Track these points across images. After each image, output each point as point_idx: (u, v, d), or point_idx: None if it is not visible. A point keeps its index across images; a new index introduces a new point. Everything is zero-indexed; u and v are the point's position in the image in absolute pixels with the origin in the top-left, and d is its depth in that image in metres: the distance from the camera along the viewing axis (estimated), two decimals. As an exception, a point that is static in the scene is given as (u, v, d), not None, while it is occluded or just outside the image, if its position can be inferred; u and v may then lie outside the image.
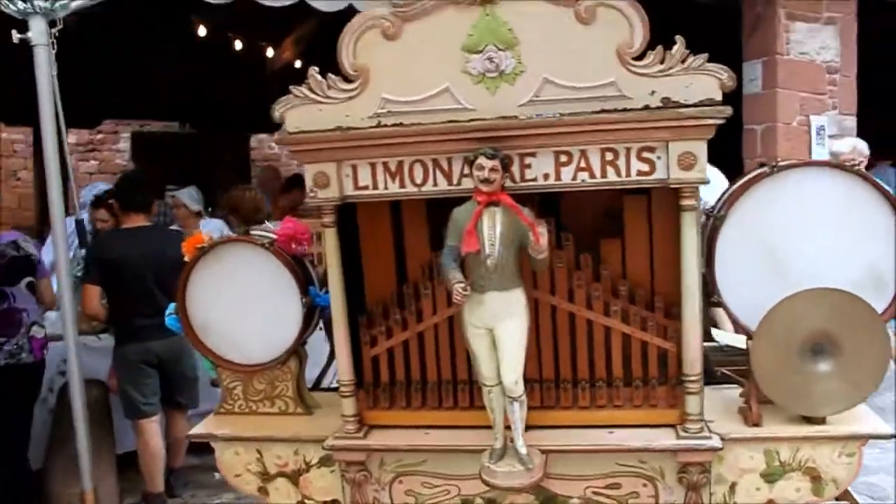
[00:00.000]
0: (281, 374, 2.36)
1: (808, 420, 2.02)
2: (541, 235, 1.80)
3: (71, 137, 7.77)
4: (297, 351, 2.35)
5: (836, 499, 2.19)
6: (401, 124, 1.99)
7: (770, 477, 2.03)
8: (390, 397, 2.22)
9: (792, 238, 2.06)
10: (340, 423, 2.19)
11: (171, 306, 2.40)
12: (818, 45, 6.17)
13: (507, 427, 2.00)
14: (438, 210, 2.19)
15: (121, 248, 3.82)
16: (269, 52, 7.94)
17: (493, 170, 1.84)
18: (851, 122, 6.20)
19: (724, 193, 2.21)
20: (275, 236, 2.32)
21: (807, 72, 6.03)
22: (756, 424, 2.03)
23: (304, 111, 2.03)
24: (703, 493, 2.05)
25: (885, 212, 2.02)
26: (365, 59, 1.97)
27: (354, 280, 2.21)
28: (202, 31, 6.92)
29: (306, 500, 2.28)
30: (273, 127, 2.11)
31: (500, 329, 1.89)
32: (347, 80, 2.00)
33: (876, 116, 6.30)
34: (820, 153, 6.17)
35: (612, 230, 2.15)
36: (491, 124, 1.94)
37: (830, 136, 5.91)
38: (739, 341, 2.29)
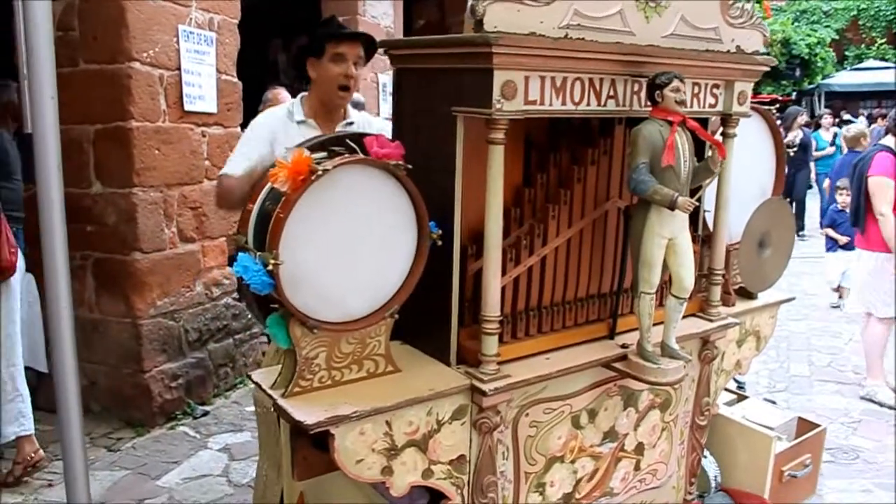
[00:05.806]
0: (375, 330, 1.94)
1: (749, 296, 2.76)
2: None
3: None
4: (393, 298, 1.96)
5: None
6: (583, 39, 1.92)
7: (739, 342, 2.71)
8: (512, 328, 2.10)
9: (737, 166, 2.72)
10: (443, 372, 2.00)
11: (249, 259, 1.71)
12: (381, 11, 6.96)
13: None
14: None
15: None
16: None
17: (685, 92, 1.99)
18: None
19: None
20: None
21: (375, 33, 6.75)
22: (733, 305, 2.67)
23: (504, 9, 1.77)
24: (710, 365, 2.59)
25: (771, 144, 2.86)
26: (564, -38, 1.84)
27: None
28: None
29: (432, 466, 1.96)
30: None
31: (681, 237, 2.06)
32: (551, -19, 1.82)
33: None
34: (384, 107, 7.06)
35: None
36: (649, 50, 2.05)
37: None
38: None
